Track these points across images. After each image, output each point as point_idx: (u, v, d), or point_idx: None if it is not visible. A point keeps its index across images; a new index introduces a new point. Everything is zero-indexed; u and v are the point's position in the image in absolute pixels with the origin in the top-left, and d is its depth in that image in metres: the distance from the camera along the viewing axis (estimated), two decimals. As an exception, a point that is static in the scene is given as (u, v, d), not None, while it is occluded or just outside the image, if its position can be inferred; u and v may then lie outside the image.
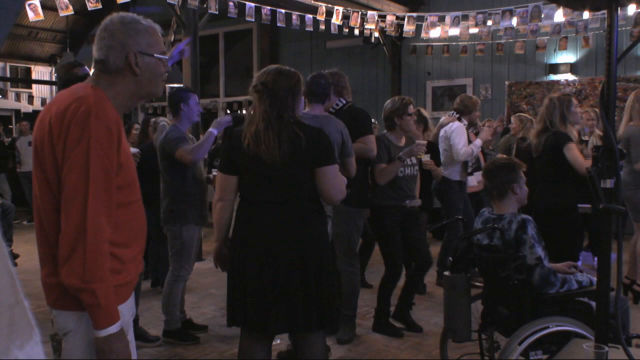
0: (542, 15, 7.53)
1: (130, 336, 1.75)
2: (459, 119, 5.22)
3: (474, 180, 5.32)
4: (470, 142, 5.16)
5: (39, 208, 1.68)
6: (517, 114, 6.40)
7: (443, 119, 5.57)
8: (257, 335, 2.60)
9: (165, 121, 4.85)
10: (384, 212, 4.09)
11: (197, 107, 4.04)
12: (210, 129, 3.94)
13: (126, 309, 1.72)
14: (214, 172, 5.35)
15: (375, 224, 4.25)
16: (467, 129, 5.24)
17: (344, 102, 3.91)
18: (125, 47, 1.70)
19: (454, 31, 8.57)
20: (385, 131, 4.25)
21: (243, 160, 2.50)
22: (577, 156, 3.91)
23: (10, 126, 12.88)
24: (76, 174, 1.55)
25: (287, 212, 2.47)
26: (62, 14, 6.75)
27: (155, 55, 1.75)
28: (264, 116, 2.44)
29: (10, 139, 10.85)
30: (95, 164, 1.56)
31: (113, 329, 1.57)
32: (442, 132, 5.24)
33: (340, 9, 8.17)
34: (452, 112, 5.37)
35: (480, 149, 5.20)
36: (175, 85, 6.65)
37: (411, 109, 4.17)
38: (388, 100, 4.31)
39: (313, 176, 2.48)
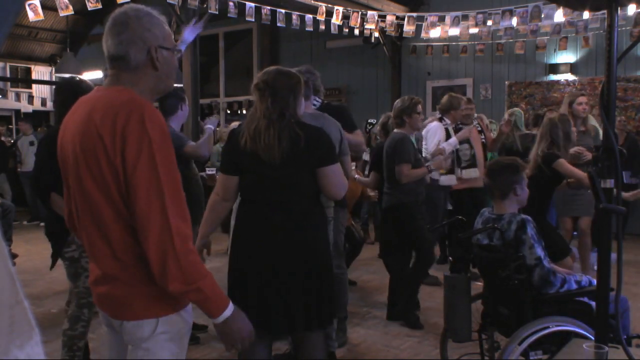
0: (542, 15, 7.52)
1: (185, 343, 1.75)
2: (440, 119, 5.37)
3: (448, 180, 5.34)
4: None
5: (88, 221, 1.64)
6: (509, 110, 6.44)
7: (428, 119, 5.70)
8: (258, 336, 2.60)
9: None
10: (412, 206, 4.32)
11: (187, 109, 4.18)
12: (207, 126, 4.12)
13: (189, 315, 1.73)
14: (208, 170, 5.40)
15: (404, 220, 4.37)
16: (455, 127, 5.35)
17: (320, 100, 3.96)
18: (146, 41, 1.63)
19: (454, 31, 8.57)
20: (396, 130, 4.41)
21: (242, 160, 2.50)
22: None
23: (10, 126, 12.89)
24: (147, 184, 1.52)
25: (287, 213, 2.47)
26: (62, 14, 6.75)
27: (171, 48, 1.69)
28: (266, 113, 2.45)
29: (13, 141, 10.87)
30: (162, 168, 1.54)
31: (228, 313, 1.62)
32: (423, 132, 5.38)
33: (340, 9, 8.17)
34: (438, 111, 5.58)
35: (454, 147, 5.24)
36: (175, 85, 6.66)
37: (420, 107, 4.36)
38: (398, 100, 4.52)
39: (314, 176, 2.48)
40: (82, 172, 1.61)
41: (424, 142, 5.42)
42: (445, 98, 5.51)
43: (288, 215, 2.47)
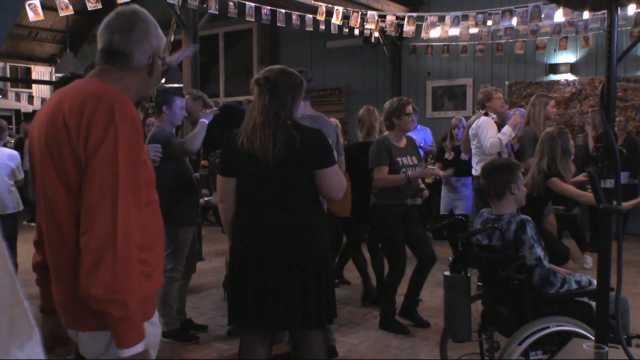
0: (542, 15, 7.52)
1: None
2: (486, 114, 5.15)
3: None
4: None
5: (51, 218, 1.52)
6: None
7: (471, 118, 5.50)
8: (258, 335, 2.60)
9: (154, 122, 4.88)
10: (387, 210, 4.17)
11: (181, 111, 4.01)
12: (201, 120, 3.97)
13: (155, 327, 1.59)
14: (202, 172, 5.38)
15: (377, 223, 4.31)
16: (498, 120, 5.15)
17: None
18: (152, 46, 1.63)
19: (454, 31, 8.56)
20: (386, 132, 4.31)
21: (239, 161, 2.50)
22: None
23: (10, 126, 12.89)
24: (103, 174, 1.41)
25: (286, 213, 2.47)
26: (62, 14, 6.74)
27: (164, 60, 1.69)
28: (262, 111, 2.45)
29: (13, 141, 10.87)
30: (123, 162, 1.42)
31: (140, 347, 1.41)
32: (471, 130, 5.20)
33: (340, 9, 8.16)
34: (478, 109, 5.35)
35: (510, 136, 4.97)
36: (176, 85, 6.65)
37: (409, 109, 4.23)
38: (387, 102, 4.38)
39: (312, 177, 2.48)
40: (45, 163, 1.52)
41: (473, 140, 5.18)
42: (479, 94, 5.34)
43: (287, 215, 2.47)
